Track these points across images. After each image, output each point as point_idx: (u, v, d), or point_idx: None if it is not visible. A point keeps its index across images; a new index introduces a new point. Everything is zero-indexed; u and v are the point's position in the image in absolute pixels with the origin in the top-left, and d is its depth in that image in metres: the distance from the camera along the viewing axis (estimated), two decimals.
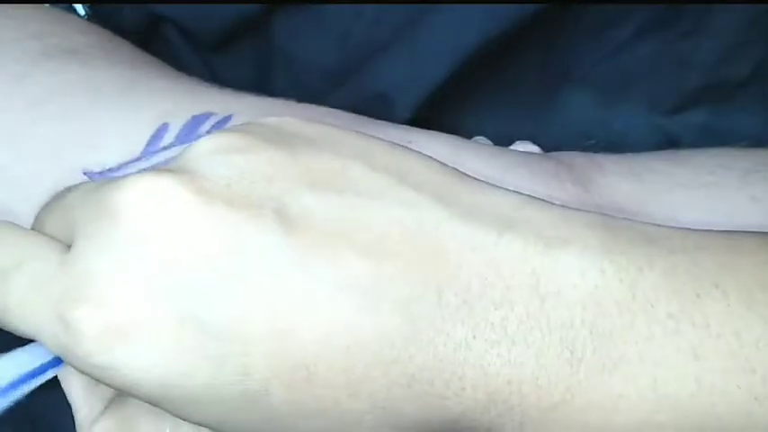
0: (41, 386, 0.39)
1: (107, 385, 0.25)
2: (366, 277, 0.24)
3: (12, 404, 0.29)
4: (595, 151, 0.36)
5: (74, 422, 0.38)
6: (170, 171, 0.25)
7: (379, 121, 0.35)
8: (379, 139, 0.28)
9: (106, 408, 0.30)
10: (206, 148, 0.26)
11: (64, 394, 0.38)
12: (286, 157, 0.26)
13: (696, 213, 0.32)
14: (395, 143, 0.28)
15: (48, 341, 0.25)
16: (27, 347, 0.28)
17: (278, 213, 0.24)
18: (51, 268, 0.25)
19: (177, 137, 0.34)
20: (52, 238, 0.27)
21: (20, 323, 0.26)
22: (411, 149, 0.28)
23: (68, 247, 0.26)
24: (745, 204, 0.32)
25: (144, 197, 0.24)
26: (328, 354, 0.24)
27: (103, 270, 0.24)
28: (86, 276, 0.24)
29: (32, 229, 0.29)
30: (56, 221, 0.27)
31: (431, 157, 0.28)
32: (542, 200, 0.27)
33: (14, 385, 0.28)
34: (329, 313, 0.24)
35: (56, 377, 0.32)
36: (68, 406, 0.38)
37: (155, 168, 0.26)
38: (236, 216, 0.24)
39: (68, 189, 0.28)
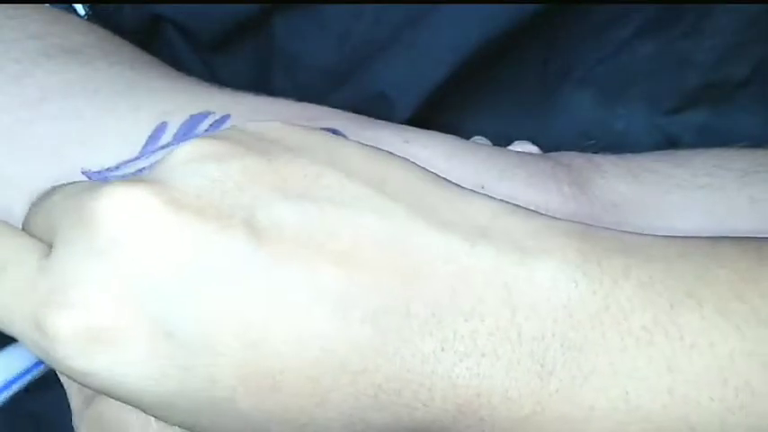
0: (42, 385, 0.39)
1: (85, 386, 0.25)
2: (336, 287, 0.24)
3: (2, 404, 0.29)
4: (595, 152, 0.36)
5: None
6: (144, 181, 0.25)
7: (378, 121, 0.35)
8: (361, 144, 0.27)
9: (97, 395, 0.30)
10: (181, 157, 0.26)
11: (64, 393, 0.39)
12: (260, 165, 0.26)
13: (694, 214, 0.32)
14: (376, 148, 0.27)
15: (28, 344, 0.26)
16: (13, 347, 0.28)
17: (247, 223, 0.24)
18: (32, 272, 0.25)
19: (175, 136, 0.34)
20: (37, 239, 0.27)
21: (3, 325, 0.26)
22: (392, 155, 0.27)
23: (50, 249, 0.26)
24: (743, 205, 0.32)
25: (118, 206, 0.24)
26: (296, 363, 0.24)
27: (78, 276, 0.24)
28: (62, 282, 0.25)
29: (22, 228, 0.29)
30: (40, 222, 0.28)
31: (412, 162, 0.27)
32: (524, 208, 0.27)
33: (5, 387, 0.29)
34: (297, 323, 0.24)
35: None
36: (68, 403, 0.38)
37: (133, 177, 0.26)
38: (206, 227, 0.24)
39: (54, 190, 0.28)
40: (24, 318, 0.25)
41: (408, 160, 0.27)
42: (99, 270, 0.24)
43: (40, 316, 0.24)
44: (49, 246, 0.26)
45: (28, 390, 0.39)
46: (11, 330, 0.26)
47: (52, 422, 0.38)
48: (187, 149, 0.26)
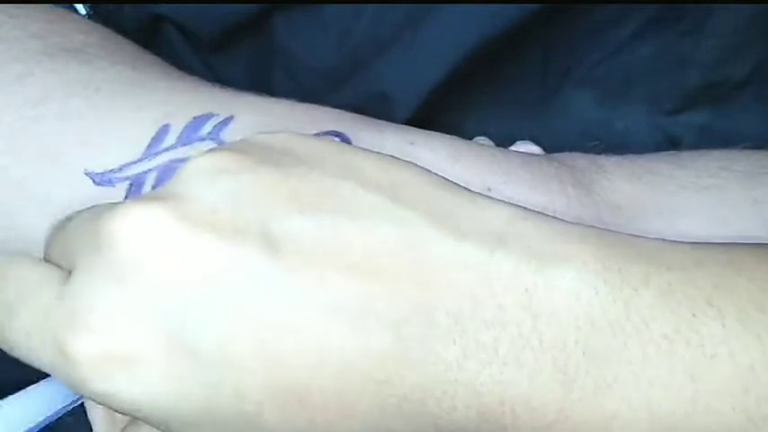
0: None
1: (113, 409, 0.25)
2: (354, 299, 0.24)
3: None
4: (597, 152, 0.36)
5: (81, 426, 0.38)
6: (159, 198, 0.25)
7: (381, 122, 0.35)
8: (372, 152, 0.27)
9: (123, 429, 0.30)
10: (195, 170, 0.26)
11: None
12: (274, 178, 0.25)
13: (697, 216, 0.32)
14: (387, 155, 0.27)
15: (50, 370, 0.26)
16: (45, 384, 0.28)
17: (263, 238, 0.24)
18: (52, 299, 0.25)
19: (178, 138, 0.34)
20: (55, 266, 0.27)
21: (27, 356, 0.26)
22: (403, 162, 0.27)
23: (69, 275, 0.26)
24: (746, 207, 0.32)
25: (134, 227, 0.24)
26: (319, 377, 0.24)
27: (96, 299, 0.24)
28: (81, 306, 0.25)
29: (44, 256, 0.29)
30: (59, 249, 0.28)
31: (424, 168, 0.27)
32: (537, 212, 0.27)
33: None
34: (318, 336, 0.24)
35: None
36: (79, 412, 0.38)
37: (146, 194, 0.26)
38: (221, 243, 0.24)
39: (71, 216, 0.28)
40: (46, 345, 0.25)
41: (420, 166, 0.27)
42: (117, 292, 0.24)
43: (59, 340, 0.24)
44: (68, 272, 0.26)
45: None
46: (34, 358, 0.26)
47: (55, 422, 0.38)
48: (200, 162, 0.26)
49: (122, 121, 0.34)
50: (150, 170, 0.33)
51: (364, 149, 0.28)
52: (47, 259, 0.28)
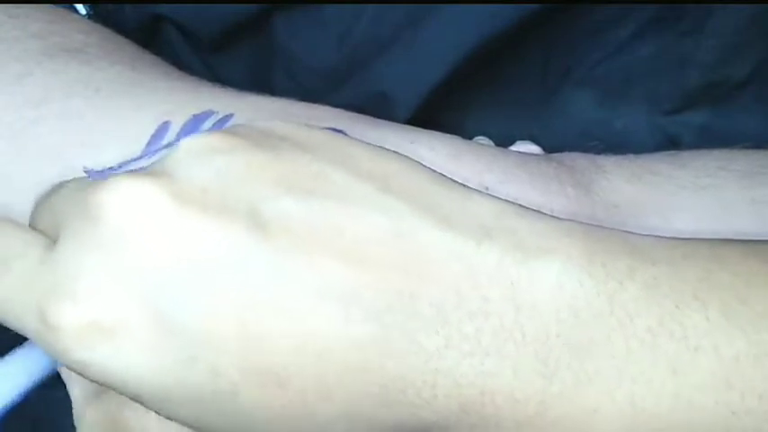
0: (42, 384, 0.38)
1: (88, 379, 0.25)
2: (341, 284, 0.24)
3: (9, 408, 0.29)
4: (597, 152, 0.36)
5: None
6: (151, 174, 0.25)
7: (382, 121, 0.35)
8: (366, 143, 0.27)
9: (98, 392, 0.30)
10: (188, 149, 0.26)
11: (64, 392, 0.38)
12: (266, 159, 0.25)
13: (696, 216, 0.32)
14: (382, 147, 0.27)
15: (31, 336, 0.26)
16: (23, 349, 0.28)
17: (252, 217, 0.24)
18: (35, 264, 0.25)
19: (178, 135, 0.33)
20: (41, 233, 0.27)
21: (7, 318, 0.26)
22: (398, 154, 0.27)
23: (54, 243, 0.26)
24: (744, 207, 0.32)
25: (124, 200, 0.24)
26: (300, 359, 0.24)
27: (82, 269, 0.24)
28: (65, 274, 0.25)
29: (29, 224, 0.29)
30: (46, 216, 0.28)
31: (417, 162, 0.27)
32: (526, 207, 0.26)
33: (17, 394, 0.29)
34: (301, 319, 0.24)
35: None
36: (68, 404, 0.38)
37: (140, 170, 0.26)
38: (209, 221, 0.24)
39: (60, 185, 0.28)
40: (28, 310, 0.25)
41: (413, 160, 0.27)
42: (102, 262, 0.24)
43: (43, 307, 0.24)
44: (53, 240, 0.26)
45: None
46: (15, 324, 0.26)
47: (52, 420, 0.38)
48: (193, 142, 0.26)
49: (122, 120, 0.34)
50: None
51: (360, 140, 0.28)
52: (32, 226, 0.28)
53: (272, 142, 0.26)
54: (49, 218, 0.28)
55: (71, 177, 0.30)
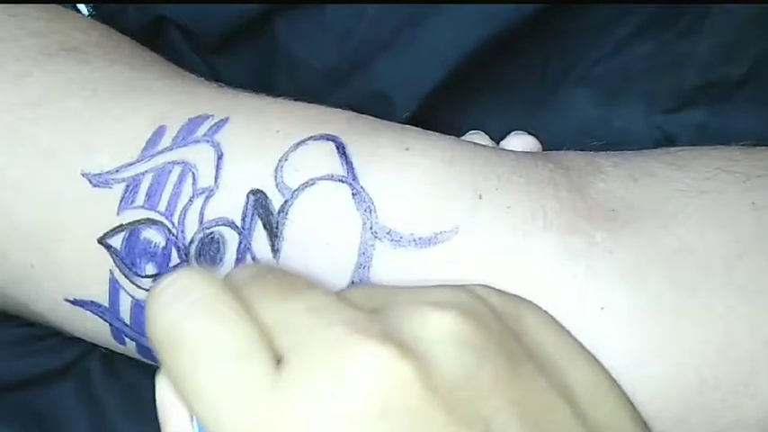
0: (43, 382, 0.38)
1: None
2: None
3: None
4: (596, 150, 0.35)
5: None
6: (409, 353, 0.24)
7: (375, 121, 0.34)
8: (590, 366, 0.28)
9: None
10: (444, 333, 0.25)
11: (65, 390, 0.38)
12: (508, 377, 0.25)
13: (695, 221, 0.31)
14: (604, 381, 0.28)
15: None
16: None
17: None
18: (263, 381, 0.24)
19: (174, 140, 0.33)
20: (268, 344, 0.25)
21: (203, 414, 0.25)
22: (614, 385, 0.29)
23: (276, 359, 0.25)
24: (745, 211, 0.31)
25: (380, 373, 0.24)
26: None
27: (312, 424, 0.24)
28: (294, 418, 0.24)
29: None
30: (271, 317, 0.26)
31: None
32: None
33: None
34: None
35: None
36: (70, 402, 0.38)
37: (396, 335, 0.25)
38: (450, 426, 0.24)
39: (292, 292, 0.27)
40: (235, 425, 0.24)
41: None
42: (336, 421, 0.24)
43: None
44: (275, 353, 0.25)
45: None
46: (208, 422, 0.25)
47: (54, 418, 0.38)
48: (449, 325, 0.26)
49: (119, 122, 0.34)
50: (146, 172, 0.33)
51: (581, 348, 0.29)
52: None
53: (510, 344, 0.26)
54: (277, 323, 0.26)
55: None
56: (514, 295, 0.29)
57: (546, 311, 0.29)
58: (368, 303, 0.27)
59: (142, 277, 0.32)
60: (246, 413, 0.24)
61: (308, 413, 0.24)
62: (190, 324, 0.25)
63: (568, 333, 0.29)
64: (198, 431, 0.27)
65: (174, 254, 0.32)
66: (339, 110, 0.35)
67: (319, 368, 0.24)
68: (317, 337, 0.25)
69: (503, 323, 0.27)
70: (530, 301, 0.29)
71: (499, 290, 0.29)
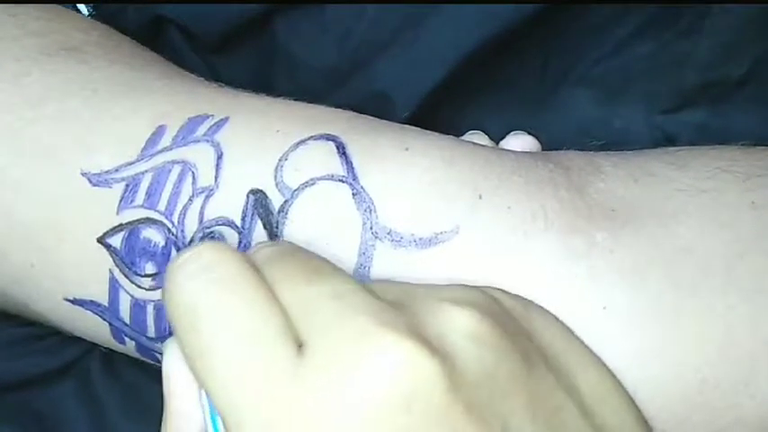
0: (43, 382, 0.38)
1: None
2: None
3: None
4: (596, 150, 0.35)
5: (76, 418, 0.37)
6: (434, 349, 0.24)
7: (374, 121, 0.34)
8: (602, 366, 0.29)
9: None
10: (466, 331, 0.26)
11: (65, 390, 0.38)
12: (523, 376, 0.26)
13: (694, 220, 0.31)
14: (609, 384, 0.28)
15: (226, 411, 0.24)
16: None
17: None
18: (283, 366, 0.24)
19: (174, 139, 0.33)
20: (290, 327, 0.25)
21: (215, 388, 0.25)
22: (618, 386, 0.29)
23: (298, 343, 0.25)
24: (745, 211, 0.31)
25: (406, 368, 0.24)
26: None
27: (333, 407, 0.23)
28: (314, 404, 0.24)
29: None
30: (295, 305, 0.26)
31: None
32: None
33: None
34: None
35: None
36: (70, 402, 0.38)
37: (417, 330, 0.25)
38: (470, 425, 0.24)
39: (316, 276, 0.26)
40: (252, 409, 0.24)
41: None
42: (357, 411, 0.23)
43: (276, 426, 0.23)
44: (298, 336, 0.25)
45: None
46: (222, 403, 0.24)
47: (54, 418, 0.38)
48: (469, 323, 0.26)
49: (119, 121, 0.34)
50: (146, 171, 0.33)
51: (586, 350, 0.29)
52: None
53: (524, 343, 0.27)
54: (300, 310, 0.25)
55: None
56: (521, 297, 0.29)
57: (551, 313, 0.29)
58: (388, 296, 0.27)
59: (142, 277, 0.32)
60: (265, 397, 0.24)
61: (330, 400, 0.23)
62: (210, 301, 0.25)
63: (574, 334, 0.29)
64: (208, 409, 0.27)
65: (174, 253, 0.32)
66: (339, 110, 0.35)
67: (344, 356, 0.24)
68: (342, 323, 0.24)
69: (516, 323, 0.27)
70: (535, 303, 0.29)
71: (507, 291, 0.29)
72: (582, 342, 0.29)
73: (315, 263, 0.27)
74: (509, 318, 0.27)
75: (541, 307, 0.29)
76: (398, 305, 0.26)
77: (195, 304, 0.25)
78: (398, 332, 0.24)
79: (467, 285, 0.29)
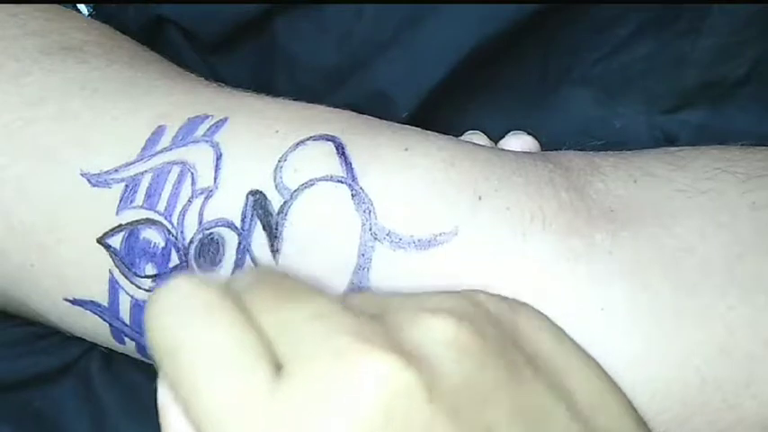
0: (43, 382, 0.38)
1: None
2: None
3: None
4: (596, 150, 0.35)
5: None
6: (413, 359, 0.24)
7: (374, 121, 0.34)
8: (585, 365, 0.28)
9: None
10: (444, 339, 0.25)
11: (65, 390, 0.38)
12: (507, 382, 0.25)
13: (694, 221, 0.31)
14: (598, 383, 0.28)
15: None
16: None
17: None
18: (261, 389, 0.24)
19: (173, 140, 0.33)
20: (268, 351, 0.25)
21: (199, 416, 0.24)
22: (615, 388, 0.28)
23: (277, 366, 0.25)
24: (745, 212, 0.31)
25: (383, 381, 0.24)
26: None
27: (310, 428, 0.23)
28: (292, 427, 0.23)
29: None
30: (276, 325, 0.26)
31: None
32: None
33: None
34: None
35: None
36: (70, 402, 0.38)
37: (395, 342, 0.25)
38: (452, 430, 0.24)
39: (295, 294, 0.26)
40: (231, 426, 0.24)
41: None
42: (338, 430, 0.23)
43: None
44: (277, 360, 0.25)
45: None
46: (206, 429, 0.24)
47: (53, 418, 0.38)
48: (447, 331, 0.26)
49: (118, 121, 0.34)
50: (146, 172, 0.32)
51: (580, 352, 0.29)
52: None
53: (509, 350, 0.26)
54: (276, 329, 0.25)
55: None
56: (511, 299, 0.29)
57: (543, 315, 0.29)
58: (366, 309, 0.27)
59: (141, 277, 0.32)
60: (246, 421, 0.24)
61: (309, 419, 0.23)
62: (188, 332, 0.25)
63: (567, 336, 0.29)
64: None
65: (174, 254, 0.32)
66: (338, 110, 0.35)
67: (321, 376, 0.24)
68: (320, 344, 0.24)
69: (500, 329, 0.27)
70: (527, 305, 0.29)
71: (495, 295, 0.29)
72: (576, 344, 0.29)
73: (290, 285, 0.27)
74: (492, 323, 0.27)
75: (532, 309, 0.29)
76: (378, 318, 0.26)
77: (173, 335, 0.25)
78: (375, 347, 0.24)
79: (450, 292, 0.29)
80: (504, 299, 0.29)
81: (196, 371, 0.24)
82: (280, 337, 0.25)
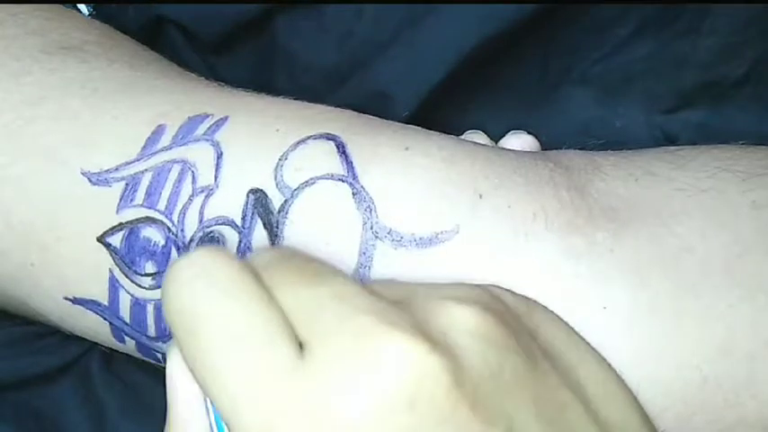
0: (43, 381, 0.38)
1: None
2: None
3: None
4: (596, 149, 0.35)
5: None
6: (438, 347, 0.24)
7: (374, 120, 0.34)
8: (605, 363, 0.29)
9: None
10: (469, 328, 0.25)
11: (65, 389, 0.38)
12: (527, 374, 0.25)
13: (695, 220, 0.30)
14: (611, 386, 0.28)
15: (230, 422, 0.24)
16: None
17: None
18: (283, 367, 0.24)
19: (173, 138, 0.33)
20: (290, 329, 0.25)
21: (216, 392, 0.24)
22: (622, 384, 0.29)
23: (299, 345, 0.24)
24: (745, 210, 0.31)
25: (409, 365, 0.23)
26: None
27: (339, 410, 0.23)
28: (315, 405, 0.23)
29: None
30: (298, 304, 0.25)
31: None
32: None
33: None
34: None
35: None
36: (70, 401, 0.38)
37: (417, 326, 0.25)
38: (474, 422, 0.24)
39: (317, 278, 0.26)
40: (253, 411, 0.23)
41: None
42: (361, 410, 0.23)
43: (275, 425, 0.23)
44: (299, 339, 0.25)
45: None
46: (224, 407, 0.24)
47: (53, 417, 0.37)
48: (473, 320, 0.25)
49: (118, 120, 0.34)
50: (146, 170, 0.32)
51: (589, 347, 0.29)
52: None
53: (527, 341, 0.26)
54: (300, 311, 0.25)
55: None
56: (524, 296, 0.29)
57: (554, 312, 0.29)
58: (390, 296, 0.26)
59: (142, 276, 0.32)
60: (266, 399, 0.23)
61: (332, 399, 0.23)
62: (208, 306, 0.24)
63: (576, 333, 0.29)
64: (213, 413, 0.26)
65: (174, 253, 0.32)
66: (339, 109, 0.35)
67: (346, 356, 0.24)
68: (344, 324, 0.24)
69: (520, 321, 0.27)
70: (537, 301, 0.29)
71: (509, 290, 0.29)
72: (585, 340, 0.29)
73: (314, 265, 0.27)
74: (512, 315, 0.27)
75: (544, 306, 0.29)
76: (401, 304, 0.26)
77: (192, 309, 0.25)
78: (401, 330, 0.24)
79: (469, 284, 0.29)
80: (519, 294, 0.29)
81: (215, 345, 0.24)
82: (302, 315, 0.25)
